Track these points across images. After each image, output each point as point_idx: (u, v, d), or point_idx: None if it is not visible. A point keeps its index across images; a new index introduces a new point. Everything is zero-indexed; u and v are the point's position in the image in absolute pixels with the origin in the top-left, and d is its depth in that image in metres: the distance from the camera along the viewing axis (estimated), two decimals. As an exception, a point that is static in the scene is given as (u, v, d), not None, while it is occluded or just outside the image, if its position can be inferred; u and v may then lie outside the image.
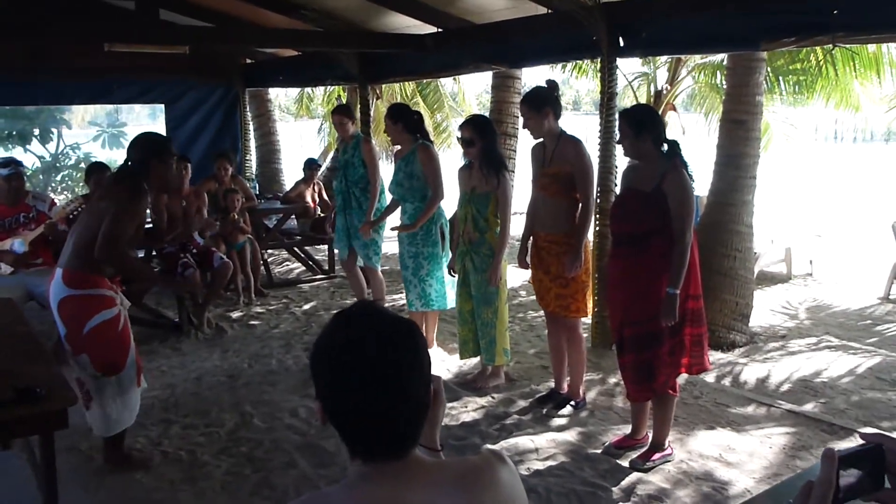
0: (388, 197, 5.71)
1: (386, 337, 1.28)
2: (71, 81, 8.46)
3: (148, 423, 4.32)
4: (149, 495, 3.58)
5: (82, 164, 15.01)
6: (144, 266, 3.61)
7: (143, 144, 3.75)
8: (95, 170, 6.25)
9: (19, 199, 5.48)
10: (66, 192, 14.61)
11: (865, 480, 1.01)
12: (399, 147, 5.43)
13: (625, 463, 3.79)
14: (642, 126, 3.60)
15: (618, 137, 3.75)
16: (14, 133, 14.28)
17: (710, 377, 4.88)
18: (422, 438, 1.36)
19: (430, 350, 1.36)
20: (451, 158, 9.50)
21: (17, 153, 13.97)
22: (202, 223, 6.12)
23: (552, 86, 4.35)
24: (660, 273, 3.56)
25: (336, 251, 7.00)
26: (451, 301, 5.28)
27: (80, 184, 13.54)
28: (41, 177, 14.96)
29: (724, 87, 6.37)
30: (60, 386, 2.81)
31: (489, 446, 3.85)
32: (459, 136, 4.69)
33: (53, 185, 15.03)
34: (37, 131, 14.64)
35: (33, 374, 2.89)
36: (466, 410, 4.51)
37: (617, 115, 3.81)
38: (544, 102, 4.26)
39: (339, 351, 1.28)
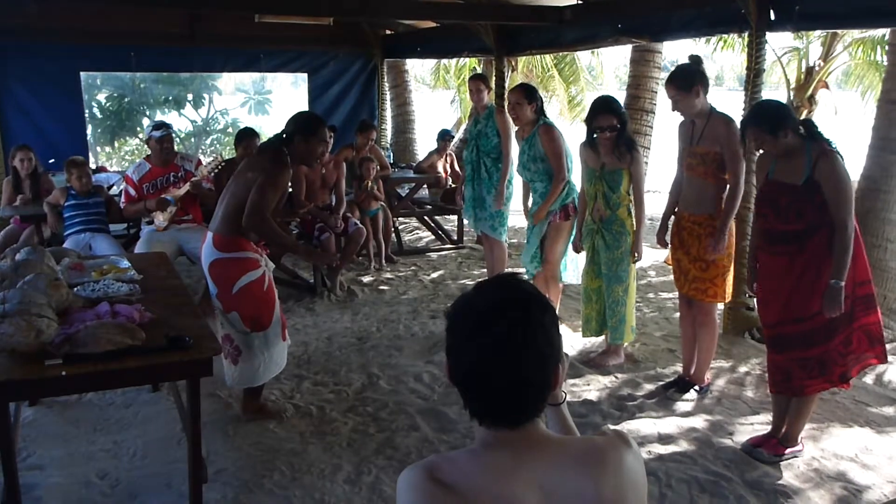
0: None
1: (516, 308, 1.30)
2: (223, 50, 8.94)
3: (282, 378, 4.55)
4: (281, 444, 3.79)
5: (230, 129, 15.86)
6: (285, 235, 3.84)
7: (297, 121, 3.93)
8: (245, 136, 6.57)
9: (170, 160, 5.85)
10: (213, 155, 15.50)
11: None
12: (518, 128, 5.36)
13: (751, 455, 3.67)
14: (777, 124, 3.40)
15: (756, 143, 3.53)
16: (170, 98, 15.28)
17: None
18: None
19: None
20: (580, 132, 9.37)
21: (172, 117, 14.94)
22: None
23: (697, 61, 4.18)
24: (823, 267, 3.39)
25: (465, 221, 7.08)
26: (566, 276, 5.25)
27: (228, 147, 14.31)
28: (193, 140, 15.93)
29: (885, 63, 5.94)
30: (207, 336, 3.01)
31: (615, 428, 3.86)
32: (598, 125, 4.51)
33: (203, 147, 15.98)
34: (190, 97, 15.60)
35: (183, 324, 3.11)
36: (589, 389, 4.49)
37: (741, 123, 3.59)
38: (693, 80, 4.06)
39: (470, 313, 1.32)
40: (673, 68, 4.27)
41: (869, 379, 4.66)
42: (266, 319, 3.86)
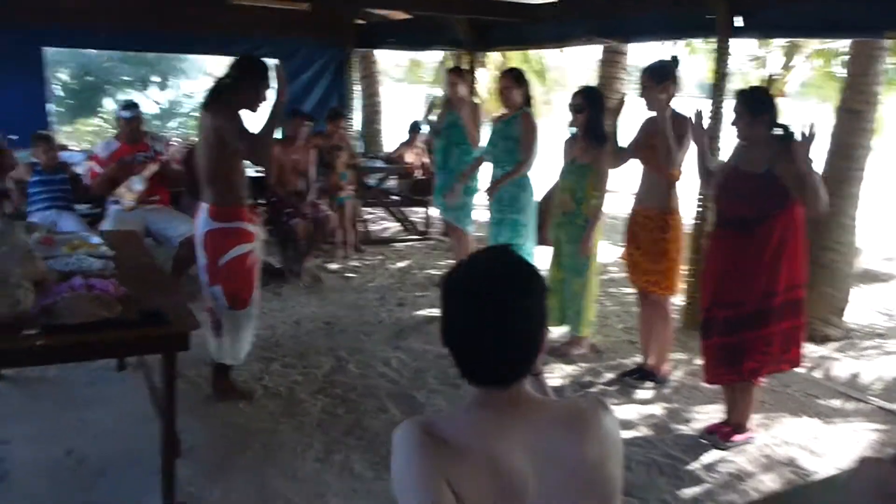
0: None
1: (506, 275, 1.38)
2: (192, 31, 8.85)
3: (250, 360, 4.57)
4: (251, 424, 3.84)
5: (195, 113, 15.68)
6: (270, 128, 3.77)
7: (242, 66, 3.84)
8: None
9: (138, 140, 5.82)
10: (178, 139, 15.28)
11: None
12: (503, 111, 5.48)
13: (706, 441, 3.83)
14: (760, 108, 3.57)
15: (732, 118, 3.71)
16: (135, 79, 15.05)
17: (800, 368, 4.82)
18: None
19: None
20: (548, 129, 9.49)
21: (136, 98, 14.67)
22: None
23: (675, 62, 4.35)
24: (758, 257, 3.55)
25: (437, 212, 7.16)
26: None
27: (193, 131, 14.16)
28: (157, 123, 15.69)
29: (843, 74, 6.16)
30: (184, 312, 3.04)
31: (593, 394, 3.98)
32: (571, 102, 4.73)
33: (167, 131, 15.77)
34: (156, 78, 15.36)
35: (159, 301, 3.13)
36: (553, 376, 4.61)
37: (734, 96, 3.77)
38: (666, 76, 4.25)
39: (462, 279, 1.41)
40: (652, 62, 4.41)
41: (818, 373, 4.86)
42: (247, 297, 3.90)
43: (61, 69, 15.00)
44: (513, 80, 5.31)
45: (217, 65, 17.87)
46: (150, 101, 15.32)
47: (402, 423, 1.38)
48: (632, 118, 4.51)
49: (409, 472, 1.30)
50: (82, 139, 15.45)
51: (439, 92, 12.89)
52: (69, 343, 2.75)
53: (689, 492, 3.38)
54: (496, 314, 1.36)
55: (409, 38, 9.42)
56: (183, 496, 3.13)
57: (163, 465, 3.06)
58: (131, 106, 6.01)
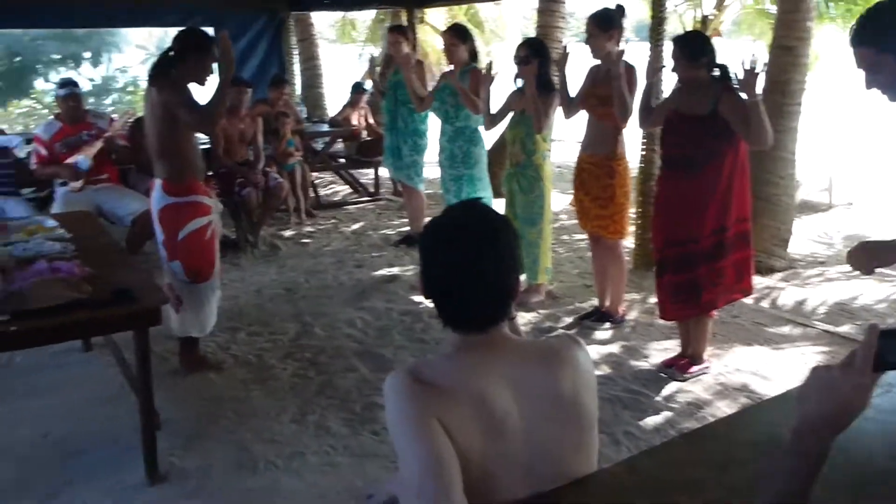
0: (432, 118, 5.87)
1: (484, 226, 1.48)
2: (122, 4, 8.62)
3: (216, 330, 4.58)
4: (223, 393, 3.90)
5: (130, 88, 15.28)
6: (219, 98, 3.72)
7: (186, 38, 3.77)
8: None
9: (80, 118, 5.73)
10: (115, 114, 14.90)
11: None
12: (451, 68, 5.51)
13: (664, 374, 4.02)
14: (697, 51, 3.70)
15: (672, 65, 3.83)
16: (66, 56, 14.59)
17: (748, 299, 5.03)
18: None
19: None
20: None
21: (70, 76, 14.26)
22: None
23: (621, 11, 4.43)
24: (709, 195, 3.70)
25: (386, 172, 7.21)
26: None
27: (130, 106, 13.82)
28: (92, 100, 15.28)
29: (774, 12, 6.32)
30: (151, 287, 3.08)
31: (566, 332, 4.13)
32: (516, 54, 4.76)
33: (103, 107, 15.38)
34: (88, 54, 14.93)
35: (124, 278, 3.15)
36: (514, 324, 4.74)
37: (671, 40, 3.88)
38: (611, 24, 4.33)
39: (439, 233, 1.51)
40: (598, 10, 4.44)
41: (766, 303, 5.10)
42: (207, 271, 3.91)
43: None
44: (457, 36, 5.36)
45: (149, 37, 17.45)
46: (83, 78, 14.92)
47: (390, 375, 1.47)
48: (576, 68, 4.59)
49: (402, 416, 1.39)
50: (15, 122, 14.98)
51: (377, 51, 12.82)
52: (42, 327, 2.77)
53: (651, 422, 3.56)
54: (473, 263, 1.45)
55: (345, -2, 9.31)
56: (164, 467, 3.19)
57: (143, 438, 3.11)
58: (68, 84, 5.91)
